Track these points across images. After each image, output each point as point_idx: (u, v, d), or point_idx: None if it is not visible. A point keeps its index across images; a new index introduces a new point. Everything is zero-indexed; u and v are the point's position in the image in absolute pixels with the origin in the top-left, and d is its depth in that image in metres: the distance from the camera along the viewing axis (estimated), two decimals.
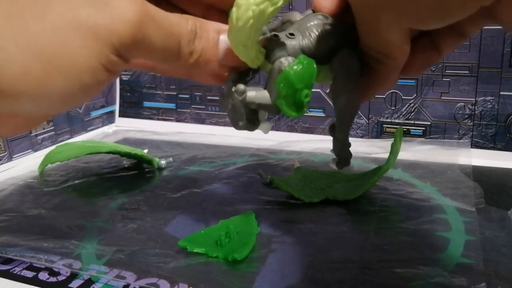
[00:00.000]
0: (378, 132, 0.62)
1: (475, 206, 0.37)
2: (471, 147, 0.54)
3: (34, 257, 0.32)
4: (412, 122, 0.60)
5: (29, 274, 0.31)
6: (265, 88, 0.27)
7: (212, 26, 0.24)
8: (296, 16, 0.29)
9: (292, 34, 0.27)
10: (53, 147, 0.53)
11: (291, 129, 0.68)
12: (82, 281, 0.30)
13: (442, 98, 0.58)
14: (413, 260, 0.30)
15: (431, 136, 0.59)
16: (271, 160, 0.52)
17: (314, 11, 0.28)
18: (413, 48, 0.25)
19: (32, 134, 0.58)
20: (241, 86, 0.26)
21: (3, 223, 0.38)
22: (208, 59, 0.24)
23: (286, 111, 0.26)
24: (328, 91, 0.29)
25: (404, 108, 0.60)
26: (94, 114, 0.69)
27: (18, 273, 0.31)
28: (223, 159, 0.53)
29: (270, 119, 0.29)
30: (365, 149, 0.53)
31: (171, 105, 0.70)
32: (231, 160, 0.52)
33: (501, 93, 0.55)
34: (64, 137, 0.63)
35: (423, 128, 0.60)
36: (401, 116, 0.61)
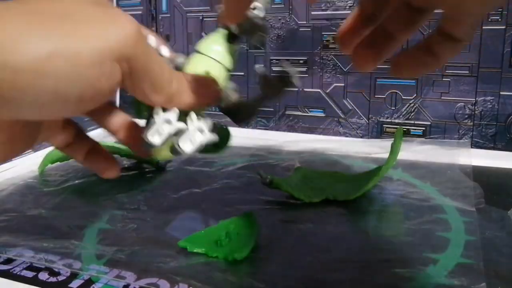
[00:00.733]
0: (378, 132, 0.62)
1: (475, 206, 0.37)
2: (471, 147, 0.54)
3: (34, 257, 0.32)
4: (412, 122, 0.60)
5: (29, 274, 0.31)
6: None
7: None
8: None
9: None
10: (53, 147, 0.53)
11: (291, 129, 0.68)
12: (82, 281, 0.30)
13: (442, 98, 0.58)
14: (413, 260, 0.30)
15: (431, 136, 0.59)
16: (271, 160, 0.52)
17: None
18: (411, 52, 0.25)
19: None
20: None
21: (3, 223, 0.38)
22: (185, 90, 0.25)
23: None
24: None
25: (404, 108, 0.60)
26: None
27: (18, 273, 0.31)
28: (223, 159, 0.52)
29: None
30: (365, 149, 0.53)
31: None
32: (231, 160, 0.52)
33: (501, 93, 0.55)
34: None
35: (423, 128, 0.60)
36: (401, 116, 0.61)
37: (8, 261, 0.32)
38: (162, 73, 0.23)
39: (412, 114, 0.60)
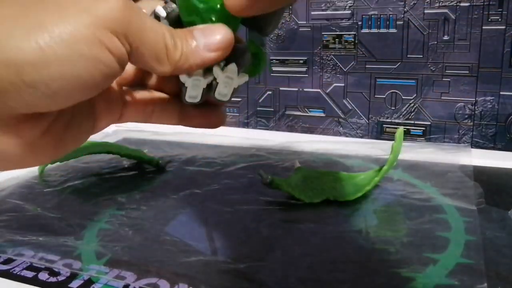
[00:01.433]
0: (378, 132, 0.62)
1: (475, 206, 0.37)
2: (471, 147, 0.54)
3: (34, 257, 0.32)
4: (412, 122, 0.60)
5: (29, 274, 0.31)
6: None
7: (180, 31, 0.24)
8: None
9: None
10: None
11: (291, 129, 0.68)
12: (82, 281, 0.30)
13: (442, 98, 0.58)
14: (413, 260, 0.30)
15: (431, 136, 0.59)
16: (271, 161, 0.52)
17: None
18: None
19: None
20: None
21: (3, 223, 0.38)
22: (193, 50, 0.23)
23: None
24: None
25: (404, 108, 0.60)
26: None
27: (18, 273, 0.31)
28: (223, 159, 0.52)
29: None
30: (366, 150, 0.53)
31: None
32: (231, 161, 0.52)
33: (501, 93, 0.55)
34: None
35: (423, 128, 0.60)
36: (401, 116, 0.61)
37: (8, 261, 0.32)
38: (160, 40, 0.21)
39: (412, 114, 0.60)
